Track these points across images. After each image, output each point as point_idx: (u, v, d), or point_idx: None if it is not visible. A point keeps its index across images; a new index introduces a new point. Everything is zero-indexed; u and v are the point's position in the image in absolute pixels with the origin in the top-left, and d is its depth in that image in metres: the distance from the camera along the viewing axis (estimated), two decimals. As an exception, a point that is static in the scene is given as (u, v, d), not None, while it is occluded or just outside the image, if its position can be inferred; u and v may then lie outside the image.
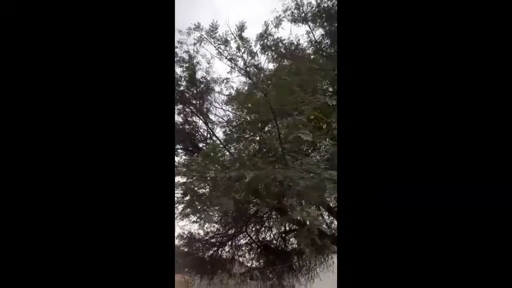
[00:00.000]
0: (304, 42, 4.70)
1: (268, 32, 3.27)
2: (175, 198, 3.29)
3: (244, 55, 3.24)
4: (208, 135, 4.60)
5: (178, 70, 4.19)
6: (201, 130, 4.72)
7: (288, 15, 4.66)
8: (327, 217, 4.25)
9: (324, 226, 3.66)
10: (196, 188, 3.16)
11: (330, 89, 4.08)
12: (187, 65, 4.21)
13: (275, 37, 3.28)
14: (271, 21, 3.27)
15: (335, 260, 4.62)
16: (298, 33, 5.14)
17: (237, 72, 3.31)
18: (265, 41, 3.25)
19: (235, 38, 3.23)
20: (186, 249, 4.61)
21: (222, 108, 3.62)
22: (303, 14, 4.56)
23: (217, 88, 3.85)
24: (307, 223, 2.37)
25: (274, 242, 4.75)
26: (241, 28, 3.24)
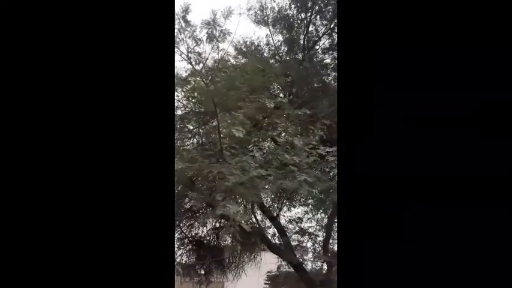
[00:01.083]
0: (263, 45, 4.80)
1: (216, 21, 3.20)
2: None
3: (188, 40, 3.12)
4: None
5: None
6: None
7: (252, 14, 4.70)
8: (260, 215, 4.39)
9: (254, 224, 3.76)
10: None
11: (281, 95, 4.24)
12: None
13: (223, 28, 3.23)
14: (221, 11, 3.21)
15: (263, 257, 4.79)
16: (260, 35, 5.18)
17: (178, 56, 3.17)
18: (212, 30, 3.18)
19: (178, 19, 3.09)
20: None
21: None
22: (265, 18, 4.65)
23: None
24: (231, 219, 2.39)
25: (208, 238, 4.70)
26: (186, 10, 3.12)
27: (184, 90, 3.35)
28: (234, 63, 4.17)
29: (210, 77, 2.94)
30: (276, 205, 4.52)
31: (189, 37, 3.14)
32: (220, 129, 2.84)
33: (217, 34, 3.19)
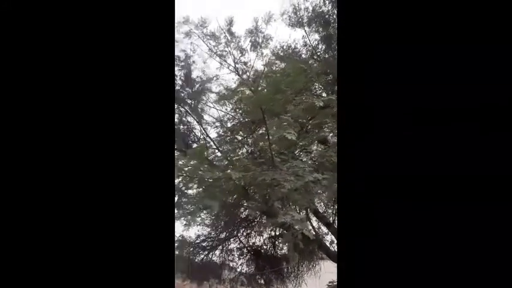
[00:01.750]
0: (300, 46, 4.72)
1: (258, 28, 3.25)
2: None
3: (234, 51, 3.23)
4: (202, 136, 4.58)
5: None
6: (195, 130, 4.69)
7: (286, 18, 4.69)
8: (315, 222, 4.19)
9: (311, 231, 3.60)
10: (183, 188, 3.12)
11: (324, 94, 4.08)
12: (182, 63, 4.20)
13: (265, 33, 3.26)
14: (262, 17, 3.25)
15: (322, 266, 4.53)
16: (296, 38, 5.13)
17: (226, 68, 3.30)
18: (255, 38, 3.23)
19: (224, 33, 3.23)
20: (177, 252, 4.53)
21: (215, 108, 3.61)
22: (300, 19, 4.58)
23: (209, 86, 3.83)
24: (292, 227, 2.32)
25: (265, 246, 4.67)
26: (230, 23, 3.24)
27: (231, 102, 3.46)
28: (274, 68, 4.18)
29: (257, 85, 2.98)
30: (330, 211, 4.27)
31: (235, 48, 3.26)
32: (269, 136, 2.83)
33: (260, 40, 3.25)
